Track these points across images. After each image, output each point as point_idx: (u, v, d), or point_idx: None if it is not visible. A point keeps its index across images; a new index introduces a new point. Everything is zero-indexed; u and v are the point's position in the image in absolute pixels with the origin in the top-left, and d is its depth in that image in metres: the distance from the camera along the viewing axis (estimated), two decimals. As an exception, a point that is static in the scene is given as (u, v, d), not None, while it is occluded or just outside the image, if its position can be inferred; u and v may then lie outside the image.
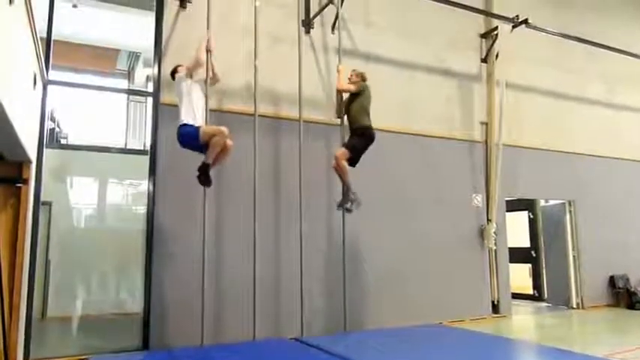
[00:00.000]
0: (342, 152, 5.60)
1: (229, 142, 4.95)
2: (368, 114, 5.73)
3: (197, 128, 4.88)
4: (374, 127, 5.71)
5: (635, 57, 9.40)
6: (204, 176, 4.92)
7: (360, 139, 5.65)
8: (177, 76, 5.18)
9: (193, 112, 4.96)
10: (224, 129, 4.82)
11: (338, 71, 6.02)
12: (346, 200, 5.72)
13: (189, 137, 4.89)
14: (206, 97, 5.30)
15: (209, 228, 5.25)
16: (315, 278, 6.33)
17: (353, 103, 5.81)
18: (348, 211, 5.78)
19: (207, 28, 5.42)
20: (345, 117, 5.99)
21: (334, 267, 6.33)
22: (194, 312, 5.25)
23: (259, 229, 5.53)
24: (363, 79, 5.85)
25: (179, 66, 5.24)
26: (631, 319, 8.10)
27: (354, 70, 5.95)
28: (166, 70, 5.92)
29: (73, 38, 8.82)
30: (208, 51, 5.31)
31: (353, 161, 5.66)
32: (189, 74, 5.06)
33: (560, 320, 8.26)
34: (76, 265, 7.98)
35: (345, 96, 6.00)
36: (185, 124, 4.92)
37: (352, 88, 5.80)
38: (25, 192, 4.68)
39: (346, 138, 5.85)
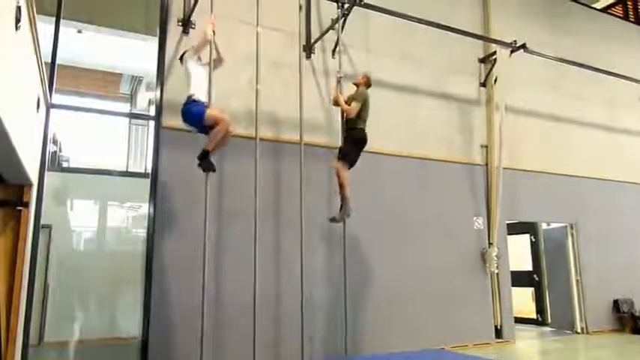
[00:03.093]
0: (341, 164, 5.67)
1: (230, 128, 5.07)
2: (364, 120, 5.89)
3: (204, 110, 4.96)
4: (376, 150, 5.77)
5: (635, 81, 9.50)
6: (205, 162, 5.02)
7: (353, 146, 5.78)
8: (185, 56, 5.29)
9: (200, 88, 5.09)
10: (227, 119, 4.96)
11: (338, 81, 6.16)
12: (343, 214, 5.72)
13: (194, 115, 4.99)
14: (210, 79, 5.28)
15: (209, 252, 5.21)
16: (315, 302, 6.26)
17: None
18: (334, 220, 5.79)
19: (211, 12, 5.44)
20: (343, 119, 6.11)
21: (335, 291, 6.27)
22: (193, 336, 5.16)
23: (260, 253, 5.49)
24: (368, 85, 6.00)
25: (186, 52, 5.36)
26: (636, 345, 7.97)
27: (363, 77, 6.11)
28: (169, 95, 5.99)
29: (77, 62, 8.93)
30: (212, 30, 5.36)
31: (350, 166, 5.76)
32: (197, 53, 5.21)
33: (565, 345, 8.12)
34: (75, 288, 7.91)
35: (344, 97, 6.10)
36: (194, 101, 5.01)
37: (353, 112, 5.85)
38: (25, 215, 4.65)
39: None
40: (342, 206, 5.77)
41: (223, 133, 4.95)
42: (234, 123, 6.05)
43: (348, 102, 6.00)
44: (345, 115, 6.07)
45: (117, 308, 8.28)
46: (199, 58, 5.30)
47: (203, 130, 5.05)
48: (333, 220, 5.81)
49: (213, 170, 5.13)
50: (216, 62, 5.46)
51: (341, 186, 5.72)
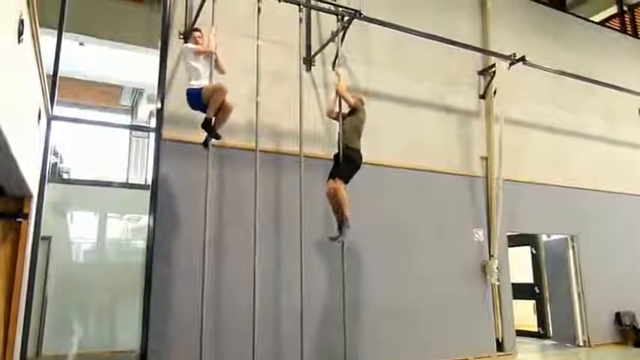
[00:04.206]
0: (339, 183, 5.63)
1: (228, 101, 5.24)
2: (359, 136, 5.89)
3: (200, 88, 5.16)
4: (376, 162, 5.76)
5: (634, 94, 9.54)
6: (209, 130, 5.17)
7: (348, 166, 5.78)
8: (187, 47, 5.37)
9: (199, 75, 5.25)
10: (223, 86, 5.11)
11: (338, 75, 6.17)
12: (342, 234, 5.65)
13: (194, 97, 5.20)
14: (211, 68, 5.35)
15: (209, 264, 5.20)
16: (315, 314, 6.23)
17: (348, 119, 5.98)
18: (334, 240, 5.73)
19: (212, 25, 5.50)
20: (339, 132, 6.09)
21: (334, 302, 6.23)
22: (192, 350, 5.12)
23: (259, 264, 5.46)
24: (361, 103, 6.06)
25: (195, 32, 5.48)
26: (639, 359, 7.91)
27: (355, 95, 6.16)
28: (169, 107, 6.02)
29: (79, 75, 8.99)
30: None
31: (344, 183, 5.74)
32: (196, 56, 5.32)
33: (568, 359, 8.05)
34: (74, 301, 7.87)
35: (344, 109, 6.13)
36: (192, 87, 5.23)
37: (351, 100, 5.93)
38: (25, 227, 4.65)
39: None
40: (340, 226, 5.69)
41: (220, 97, 5.10)
42: (234, 135, 6.11)
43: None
44: (342, 123, 6.07)
45: (116, 320, 8.23)
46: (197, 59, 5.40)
47: (206, 108, 5.20)
48: (333, 239, 5.75)
49: (218, 137, 5.25)
50: (217, 70, 5.52)
51: (340, 205, 5.64)
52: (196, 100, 5.21)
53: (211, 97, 5.10)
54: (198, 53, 5.31)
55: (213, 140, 5.41)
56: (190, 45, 5.38)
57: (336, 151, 6.07)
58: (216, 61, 5.49)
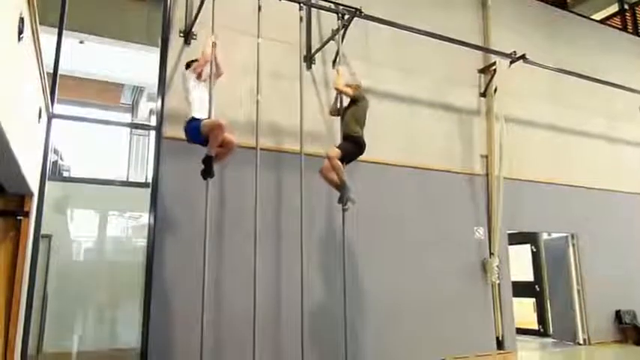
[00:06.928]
0: (336, 152, 5.63)
1: (230, 136, 5.15)
2: (361, 125, 5.85)
3: (200, 122, 5.04)
4: (376, 160, 5.75)
5: (635, 92, 9.53)
6: (206, 168, 5.04)
7: (353, 145, 5.76)
8: (187, 72, 5.34)
9: (199, 106, 5.15)
10: (222, 122, 4.99)
11: (338, 72, 6.16)
12: (344, 200, 5.65)
13: (193, 129, 5.08)
14: (210, 94, 5.28)
15: (209, 262, 5.20)
16: (315, 312, 6.24)
17: (348, 110, 5.97)
18: (345, 210, 5.72)
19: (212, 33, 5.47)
20: (341, 124, 6.08)
21: (335, 301, 6.23)
22: (193, 348, 5.13)
23: (260, 262, 5.47)
24: (359, 89, 6.03)
25: (193, 61, 5.39)
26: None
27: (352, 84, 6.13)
28: (170, 105, 6.02)
29: (79, 73, 8.98)
30: (213, 44, 5.40)
31: (341, 161, 5.71)
32: (196, 71, 5.29)
33: (567, 357, 8.07)
34: (75, 298, 7.87)
35: (345, 102, 6.12)
36: (192, 119, 5.12)
37: (349, 92, 5.93)
38: (25, 225, 4.65)
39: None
40: (342, 195, 5.68)
41: (219, 134, 4.97)
42: (234, 132, 6.09)
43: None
44: (343, 116, 6.06)
45: (116, 318, 8.24)
46: (199, 75, 5.32)
47: (206, 142, 5.08)
48: (345, 210, 5.72)
49: (210, 177, 5.11)
50: (214, 75, 5.49)
51: (332, 179, 5.66)
52: (195, 134, 5.08)
53: (210, 133, 4.96)
54: (198, 68, 5.21)
55: None
56: (188, 73, 5.30)
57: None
58: (216, 64, 5.44)
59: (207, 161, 5.05)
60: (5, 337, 4.36)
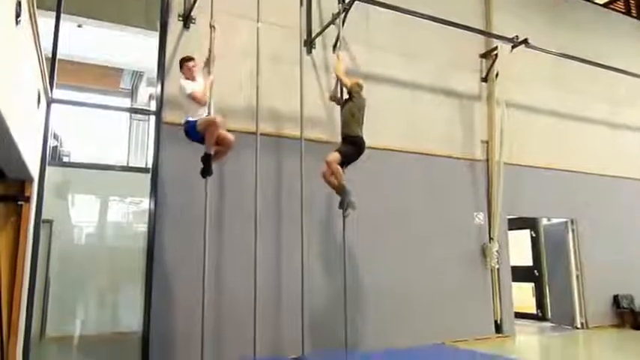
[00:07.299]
0: (334, 157, 5.58)
1: (228, 134, 5.18)
2: (359, 123, 5.77)
3: (196, 120, 5.10)
4: (377, 146, 5.72)
5: (638, 77, 9.46)
6: (205, 167, 5.08)
7: (352, 147, 5.70)
8: (183, 86, 5.26)
9: (196, 107, 5.16)
10: (217, 119, 5.03)
11: (338, 57, 6.13)
12: (345, 205, 5.63)
13: (191, 129, 5.13)
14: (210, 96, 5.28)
15: (210, 246, 5.23)
16: (316, 297, 6.28)
17: (345, 106, 5.91)
18: (346, 216, 5.68)
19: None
20: (340, 122, 6.04)
21: (335, 286, 6.28)
22: (194, 331, 5.18)
23: (260, 247, 5.50)
24: (358, 87, 5.94)
25: (189, 61, 5.33)
26: (637, 340, 7.98)
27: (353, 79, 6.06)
28: (169, 89, 5.99)
29: (78, 57, 8.91)
30: (212, 27, 5.39)
31: (341, 166, 5.67)
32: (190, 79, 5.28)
33: (565, 340, 8.15)
34: (76, 283, 7.92)
35: (345, 92, 6.08)
36: (188, 120, 5.17)
37: (347, 82, 5.87)
38: (26, 210, 4.66)
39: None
40: (342, 200, 5.65)
41: (214, 130, 4.99)
42: (234, 118, 6.07)
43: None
44: (341, 112, 6.02)
45: (118, 302, 8.31)
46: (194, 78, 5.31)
47: (203, 140, 5.11)
48: (345, 216, 5.67)
49: (209, 175, 5.14)
50: (207, 62, 5.46)
51: (332, 182, 5.63)
52: (193, 132, 5.12)
53: (206, 130, 5.00)
54: (193, 99, 5.15)
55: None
56: (185, 85, 5.21)
57: (339, 137, 6.04)
58: (210, 51, 5.40)
59: (206, 159, 5.09)
60: (8, 322, 4.40)
